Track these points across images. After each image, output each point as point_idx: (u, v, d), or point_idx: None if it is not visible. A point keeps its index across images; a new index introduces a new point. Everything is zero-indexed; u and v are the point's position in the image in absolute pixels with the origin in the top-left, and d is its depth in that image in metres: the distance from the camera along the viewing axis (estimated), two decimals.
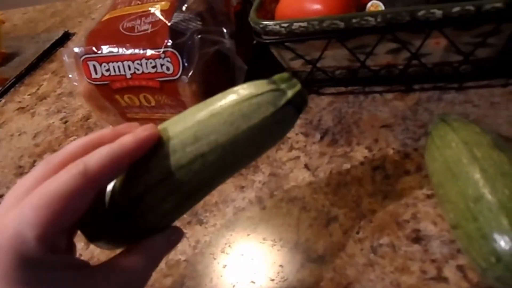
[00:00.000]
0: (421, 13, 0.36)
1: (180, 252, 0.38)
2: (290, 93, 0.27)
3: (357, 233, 0.34)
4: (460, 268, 0.30)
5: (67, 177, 0.22)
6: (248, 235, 0.37)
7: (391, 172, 0.38)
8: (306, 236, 0.35)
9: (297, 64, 0.45)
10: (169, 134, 0.26)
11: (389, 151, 0.40)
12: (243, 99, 0.27)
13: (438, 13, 0.35)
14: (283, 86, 0.28)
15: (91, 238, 0.26)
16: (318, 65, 0.44)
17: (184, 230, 0.38)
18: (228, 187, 0.42)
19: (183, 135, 0.26)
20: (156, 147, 0.25)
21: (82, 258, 0.39)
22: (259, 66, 0.53)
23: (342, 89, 0.48)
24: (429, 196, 0.35)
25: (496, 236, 0.26)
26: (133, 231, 0.25)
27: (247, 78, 0.47)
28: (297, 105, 0.28)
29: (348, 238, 0.34)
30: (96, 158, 0.23)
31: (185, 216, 0.40)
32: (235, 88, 0.28)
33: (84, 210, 0.23)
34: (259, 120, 0.26)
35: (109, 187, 0.26)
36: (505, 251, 0.25)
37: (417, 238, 0.32)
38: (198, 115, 0.26)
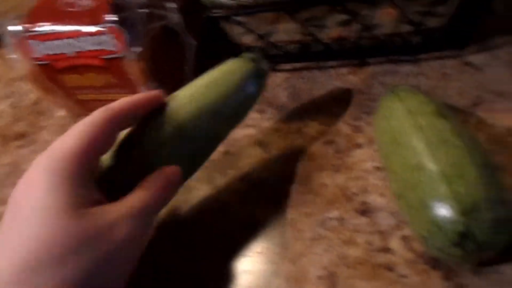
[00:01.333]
0: None
1: None
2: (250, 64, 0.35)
3: (307, 207, 0.34)
4: (404, 238, 0.30)
5: (94, 113, 0.27)
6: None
7: (342, 146, 0.37)
8: (259, 213, 0.35)
9: (249, 39, 0.44)
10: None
11: (342, 126, 0.39)
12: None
13: None
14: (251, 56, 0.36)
15: (110, 195, 0.26)
16: (270, 39, 0.43)
17: None
18: None
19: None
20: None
21: None
22: (212, 42, 0.51)
23: (298, 65, 0.47)
24: (378, 169, 0.34)
25: (436, 205, 0.25)
26: None
27: (200, 55, 0.45)
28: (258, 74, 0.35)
29: (297, 213, 0.33)
30: (116, 102, 0.28)
31: None
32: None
33: (109, 145, 0.27)
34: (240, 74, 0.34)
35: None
36: (444, 219, 0.25)
37: (365, 210, 0.32)
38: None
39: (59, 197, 0.22)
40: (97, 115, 0.27)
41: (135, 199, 0.25)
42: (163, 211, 0.28)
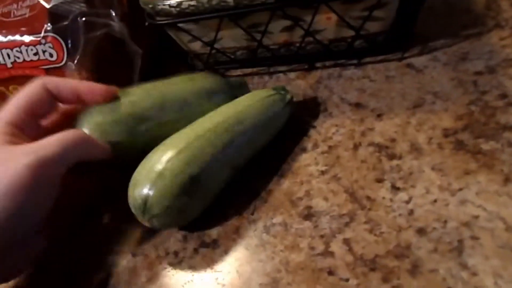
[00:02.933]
0: None
1: None
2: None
3: (252, 214, 0.34)
4: (346, 241, 0.30)
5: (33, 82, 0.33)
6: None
7: (289, 151, 0.37)
8: (201, 219, 0.34)
9: (196, 46, 0.44)
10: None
11: (289, 130, 0.39)
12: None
13: None
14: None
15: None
16: (218, 46, 0.43)
17: None
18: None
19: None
20: None
21: None
22: (161, 49, 0.51)
23: (247, 70, 0.47)
24: (323, 172, 0.35)
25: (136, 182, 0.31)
26: None
27: (151, 64, 0.45)
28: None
29: (242, 220, 0.33)
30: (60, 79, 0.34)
31: None
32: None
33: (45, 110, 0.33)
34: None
35: None
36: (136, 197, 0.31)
37: (308, 214, 0.32)
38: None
39: None
40: (34, 85, 0.32)
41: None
42: None
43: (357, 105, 0.39)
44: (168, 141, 0.33)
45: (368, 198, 0.32)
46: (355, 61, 0.43)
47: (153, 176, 0.30)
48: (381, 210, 0.31)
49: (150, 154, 0.33)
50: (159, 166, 0.31)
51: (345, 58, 0.44)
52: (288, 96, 0.38)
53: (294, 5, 0.37)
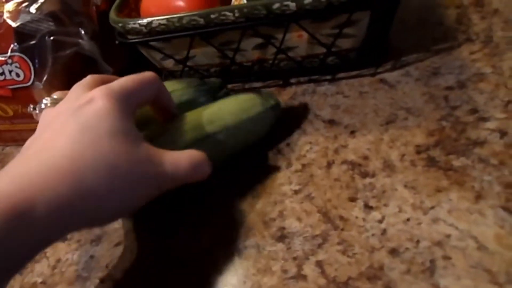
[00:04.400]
0: (276, 6, 0.35)
1: (38, 273, 0.34)
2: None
3: (224, 237, 0.33)
4: (318, 263, 0.29)
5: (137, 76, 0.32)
6: (116, 246, 0.35)
7: (262, 169, 0.37)
8: (174, 242, 0.33)
9: (169, 63, 0.43)
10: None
11: (264, 149, 0.39)
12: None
13: (292, 5, 0.35)
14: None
15: None
16: (190, 63, 0.42)
17: (45, 250, 0.35)
18: None
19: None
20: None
21: None
22: (136, 68, 0.50)
23: None
24: (296, 192, 0.34)
25: None
26: None
27: None
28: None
29: (216, 242, 0.33)
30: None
31: None
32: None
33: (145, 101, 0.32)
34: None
35: None
36: None
37: (281, 236, 0.32)
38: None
39: (130, 127, 0.28)
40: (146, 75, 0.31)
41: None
42: None
43: (331, 122, 0.39)
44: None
45: (341, 218, 0.32)
46: (329, 77, 0.44)
47: None
48: (354, 230, 0.31)
49: None
50: None
51: (319, 74, 0.44)
52: (272, 102, 0.38)
53: (264, 24, 0.36)
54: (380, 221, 0.31)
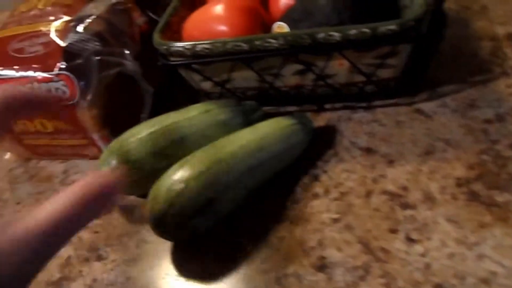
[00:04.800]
0: (320, 35, 0.35)
1: None
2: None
3: (263, 263, 0.33)
4: None
5: None
6: (152, 269, 0.35)
7: (300, 196, 0.37)
8: (211, 268, 0.33)
9: (207, 85, 0.44)
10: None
11: (300, 174, 0.39)
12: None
13: (337, 35, 0.35)
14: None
15: None
16: (228, 86, 0.43)
17: (81, 268, 0.35)
18: (134, 218, 0.39)
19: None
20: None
21: None
22: (169, 87, 0.51)
23: None
24: (335, 220, 0.34)
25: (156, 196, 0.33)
26: None
27: (160, 101, 0.45)
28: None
29: (254, 269, 0.33)
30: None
31: (84, 252, 0.37)
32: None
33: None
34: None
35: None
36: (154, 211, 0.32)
37: (322, 266, 0.32)
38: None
39: None
40: None
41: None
42: None
43: (368, 150, 0.39)
44: (190, 159, 0.34)
45: (383, 249, 0.31)
46: (364, 104, 0.44)
47: (173, 194, 0.32)
48: (397, 263, 0.30)
49: (171, 171, 0.34)
50: (180, 186, 0.32)
51: (354, 101, 0.44)
52: (310, 126, 0.40)
53: (307, 52, 0.37)
54: (423, 255, 0.30)
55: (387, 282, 0.29)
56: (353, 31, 0.35)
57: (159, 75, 0.48)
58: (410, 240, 0.32)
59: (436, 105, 0.42)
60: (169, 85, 0.49)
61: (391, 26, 0.34)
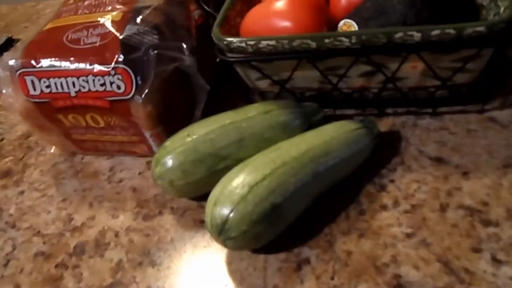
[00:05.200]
0: (398, 35, 0.33)
1: None
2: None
3: (332, 278, 0.30)
4: None
5: None
6: (209, 279, 0.33)
7: (366, 207, 0.34)
8: (274, 282, 0.31)
9: (264, 84, 0.42)
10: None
11: (363, 183, 0.36)
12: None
13: (417, 36, 0.32)
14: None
15: None
16: (287, 86, 0.41)
17: (134, 273, 0.33)
18: (186, 221, 0.37)
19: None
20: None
21: None
22: (223, 85, 0.49)
23: None
24: (409, 235, 0.32)
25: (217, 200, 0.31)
26: None
27: (210, 99, 0.43)
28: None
29: (321, 285, 0.30)
30: None
31: (136, 256, 0.35)
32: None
33: None
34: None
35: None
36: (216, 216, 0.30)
37: (398, 285, 0.29)
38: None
39: None
40: None
41: None
42: None
43: (438, 160, 0.37)
44: (252, 162, 0.32)
45: (467, 270, 0.29)
46: (429, 110, 0.41)
47: (235, 199, 0.30)
48: (484, 286, 0.28)
49: (233, 173, 0.32)
50: (243, 190, 0.30)
51: (419, 106, 0.41)
52: (376, 131, 0.37)
53: (383, 53, 0.34)
54: None
55: None
56: (435, 32, 0.32)
57: (211, 72, 0.46)
58: (496, 261, 0.29)
59: (510, 114, 0.39)
60: (220, 82, 0.47)
61: (479, 27, 0.31)
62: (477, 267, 0.29)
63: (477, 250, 0.30)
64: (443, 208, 0.33)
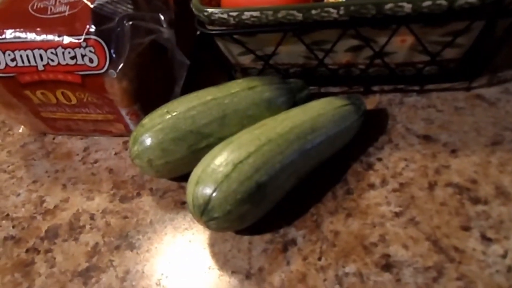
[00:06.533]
0: (388, 6, 0.31)
1: (105, 285, 0.31)
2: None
3: (319, 259, 0.29)
4: None
5: None
6: (192, 262, 0.31)
7: (353, 186, 0.33)
8: (260, 264, 0.30)
9: (246, 59, 0.40)
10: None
11: (350, 162, 0.35)
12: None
13: (407, 7, 0.31)
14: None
15: None
16: (271, 61, 0.39)
17: (111, 257, 0.32)
18: (167, 202, 0.35)
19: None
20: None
21: None
22: (202, 62, 0.47)
23: None
24: (397, 214, 0.31)
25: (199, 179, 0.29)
26: None
27: (190, 75, 0.41)
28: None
29: (308, 266, 0.29)
30: None
31: (113, 240, 0.33)
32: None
33: None
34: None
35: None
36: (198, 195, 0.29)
37: (387, 265, 0.28)
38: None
39: None
40: None
41: None
42: None
43: (426, 138, 0.36)
44: (236, 139, 0.31)
45: (456, 249, 0.28)
46: (416, 88, 0.40)
47: (218, 177, 0.28)
48: (474, 264, 0.27)
49: (216, 151, 0.30)
50: (227, 168, 0.29)
51: (405, 84, 0.40)
52: (363, 107, 0.36)
53: (372, 25, 0.33)
54: (503, 256, 0.27)
55: (465, 285, 0.26)
56: (427, 3, 0.31)
57: (191, 46, 0.44)
58: (486, 239, 0.28)
59: (498, 91, 0.38)
60: (200, 58, 0.45)
61: None
62: (467, 245, 0.28)
63: (466, 228, 0.29)
64: (432, 186, 0.32)
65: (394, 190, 0.32)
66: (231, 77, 0.42)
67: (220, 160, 0.29)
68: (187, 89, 0.37)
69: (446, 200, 0.31)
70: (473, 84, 0.39)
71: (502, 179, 0.32)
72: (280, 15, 0.33)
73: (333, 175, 0.34)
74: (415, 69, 0.38)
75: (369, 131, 0.37)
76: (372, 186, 0.33)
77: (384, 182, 0.33)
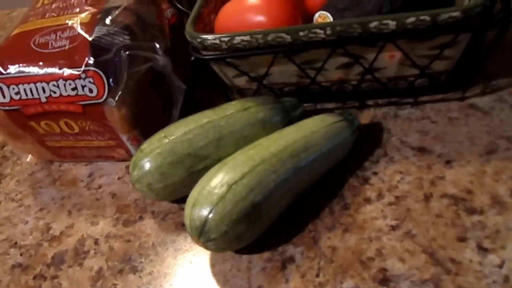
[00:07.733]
0: (373, 24, 0.32)
1: None
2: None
3: (317, 276, 0.30)
4: None
5: None
6: (191, 283, 0.32)
7: (350, 201, 0.34)
8: (259, 282, 0.30)
9: (241, 81, 0.41)
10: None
11: (346, 176, 0.36)
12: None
13: (392, 24, 0.32)
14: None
15: None
16: (265, 82, 0.40)
17: (114, 281, 0.32)
18: (168, 225, 0.36)
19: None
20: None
21: None
22: (200, 85, 0.48)
23: None
24: (393, 228, 0.31)
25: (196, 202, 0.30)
26: None
27: (188, 98, 0.42)
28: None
29: (307, 283, 0.29)
30: None
31: (116, 263, 0.34)
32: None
33: None
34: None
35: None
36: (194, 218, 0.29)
37: (384, 279, 0.28)
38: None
39: None
40: None
41: None
42: None
43: (421, 150, 0.36)
44: (231, 161, 0.32)
45: (453, 260, 0.28)
46: (411, 100, 0.41)
47: (214, 199, 0.29)
48: (471, 275, 0.27)
49: (211, 173, 0.31)
50: (222, 190, 0.29)
51: (399, 97, 0.41)
52: (356, 123, 0.36)
53: (358, 43, 0.34)
54: (500, 266, 0.27)
55: None
56: (410, 19, 0.31)
57: (187, 71, 0.45)
58: (482, 250, 0.28)
59: (491, 100, 0.39)
60: (197, 81, 0.46)
61: (454, 13, 0.31)
62: (463, 257, 0.28)
63: (462, 239, 0.29)
64: (427, 198, 0.32)
65: (390, 204, 0.33)
66: (228, 98, 0.44)
67: (215, 182, 0.30)
68: (187, 113, 0.38)
69: (442, 212, 0.31)
70: (466, 94, 0.40)
71: (498, 188, 0.32)
72: (269, 38, 0.34)
73: (330, 191, 0.35)
74: (407, 83, 0.39)
75: (364, 145, 0.38)
76: (368, 200, 0.34)
77: (380, 195, 0.34)
